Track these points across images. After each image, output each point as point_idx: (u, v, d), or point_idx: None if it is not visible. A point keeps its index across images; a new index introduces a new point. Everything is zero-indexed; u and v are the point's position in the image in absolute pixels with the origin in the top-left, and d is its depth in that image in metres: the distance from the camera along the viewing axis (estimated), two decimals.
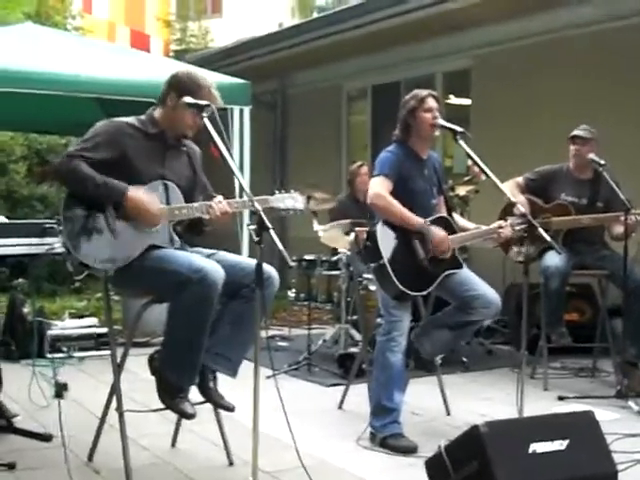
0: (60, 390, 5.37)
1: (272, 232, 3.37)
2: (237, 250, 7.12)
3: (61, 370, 5.58)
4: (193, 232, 4.13)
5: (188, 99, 3.88)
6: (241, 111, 7.75)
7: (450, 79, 10.00)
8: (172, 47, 16.34)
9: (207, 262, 3.78)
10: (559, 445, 3.39)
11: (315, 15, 14.52)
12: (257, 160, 8.28)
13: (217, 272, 3.72)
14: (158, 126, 4.04)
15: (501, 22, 8.69)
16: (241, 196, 5.11)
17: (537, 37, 8.54)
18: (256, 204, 3.49)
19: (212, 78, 4.21)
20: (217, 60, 11.56)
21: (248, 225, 6.78)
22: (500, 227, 4.62)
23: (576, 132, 6.09)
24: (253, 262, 3.63)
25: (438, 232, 4.63)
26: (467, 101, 9.79)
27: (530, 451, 3.33)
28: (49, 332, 6.86)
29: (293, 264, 3.52)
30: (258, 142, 8.30)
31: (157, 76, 7.14)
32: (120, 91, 7.05)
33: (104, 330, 6.68)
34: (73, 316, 7.45)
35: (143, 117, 4.08)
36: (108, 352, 4.14)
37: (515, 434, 3.44)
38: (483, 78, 9.37)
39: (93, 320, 7.32)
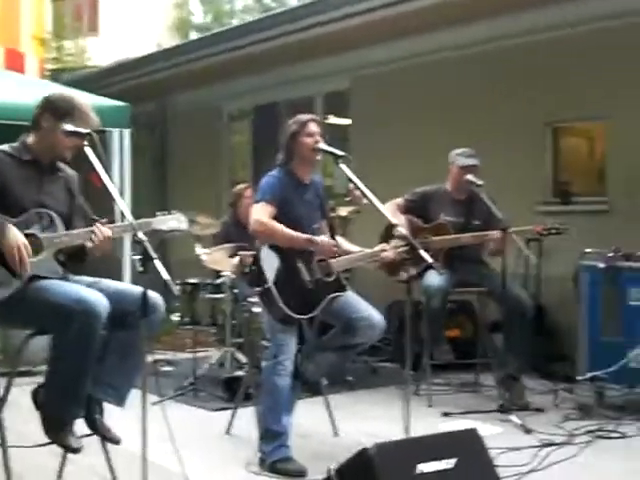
0: None
1: (157, 262, 3.34)
2: (119, 276, 7.00)
3: None
4: (75, 260, 4.01)
5: (69, 127, 3.79)
6: (121, 133, 7.66)
7: (329, 100, 10.11)
8: (48, 66, 16.00)
9: (90, 292, 3.70)
10: (446, 464, 3.45)
11: (193, 34, 14.51)
12: (138, 183, 8.19)
13: (101, 303, 3.64)
14: (32, 152, 3.93)
15: (379, 44, 8.86)
16: (123, 221, 5.04)
17: (413, 59, 8.75)
18: (140, 234, 3.45)
19: (91, 100, 4.14)
20: (95, 81, 11.42)
21: (131, 255, 6.67)
22: (383, 250, 4.70)
23: (471, 162, 6.17)
24: (137, 289, 3.59)
25: (323, 238, 4.67)
26: (347, 121, 9.92)
27: (418, 472, 3.39)
28: None
29: (178, 293, 3.50)
30: (138, 164, 8.21)
31: (32, 98, 7.03)
32: None
33: None
34: None
35: (16, 144, 3.95)
36: None
37: (403, 455, 3.48)
38: (362, 98, 9.52)
39: None
